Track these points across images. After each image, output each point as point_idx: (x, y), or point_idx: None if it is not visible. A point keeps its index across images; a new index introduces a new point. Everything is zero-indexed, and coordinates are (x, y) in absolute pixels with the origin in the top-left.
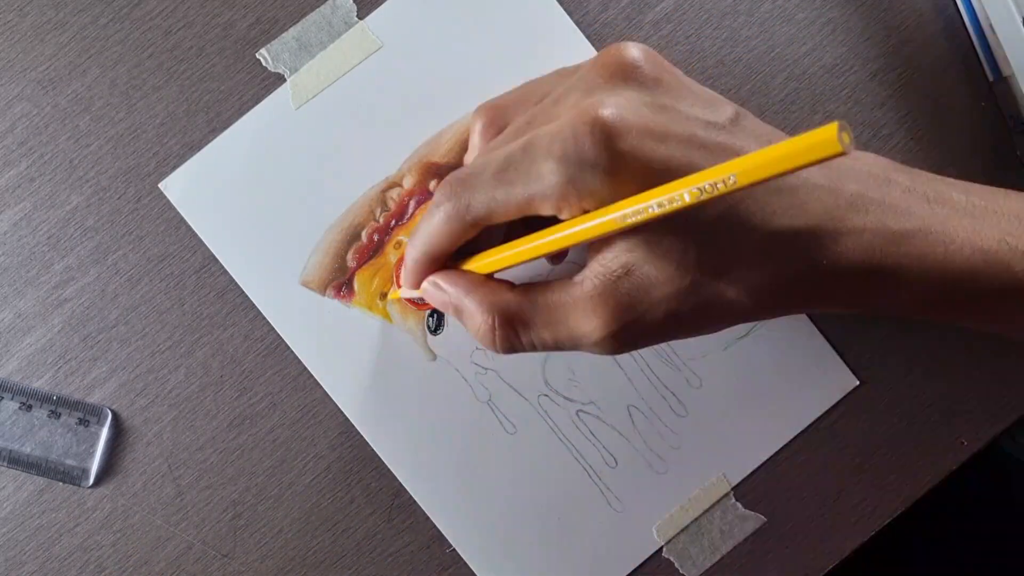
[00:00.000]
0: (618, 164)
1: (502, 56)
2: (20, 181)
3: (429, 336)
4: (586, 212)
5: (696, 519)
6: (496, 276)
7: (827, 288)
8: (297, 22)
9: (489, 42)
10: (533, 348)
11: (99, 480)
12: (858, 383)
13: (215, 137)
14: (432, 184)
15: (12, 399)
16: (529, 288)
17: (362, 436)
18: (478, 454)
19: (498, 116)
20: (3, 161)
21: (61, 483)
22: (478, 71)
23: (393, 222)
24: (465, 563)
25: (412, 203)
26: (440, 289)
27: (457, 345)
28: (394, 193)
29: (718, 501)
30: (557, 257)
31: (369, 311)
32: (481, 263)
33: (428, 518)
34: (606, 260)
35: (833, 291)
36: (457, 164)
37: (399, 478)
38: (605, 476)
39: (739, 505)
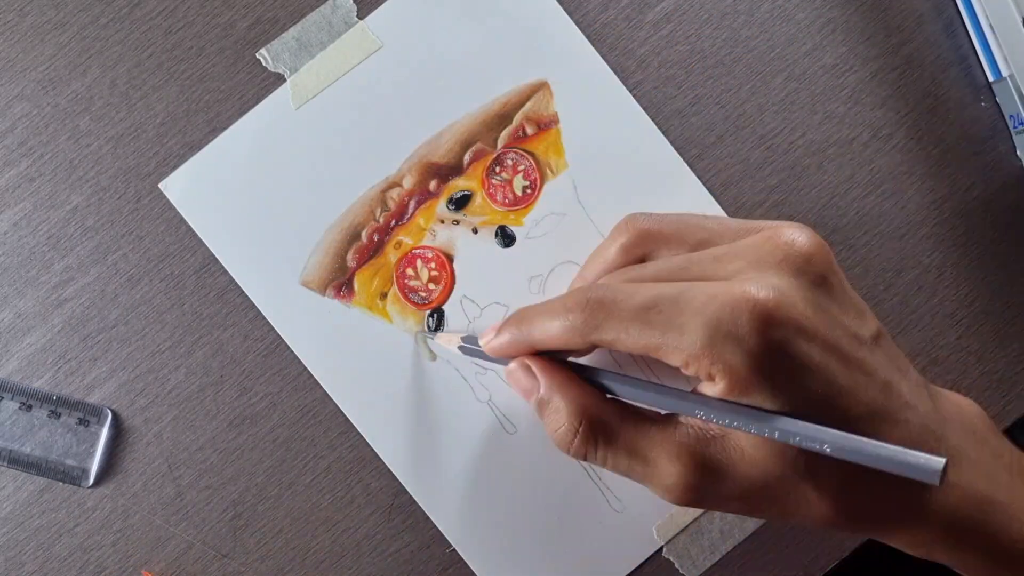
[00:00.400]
0: (763, 350)
1: (502, 56)
2: (20, 181)
3: (429, 336)
4: (711, 379)
5: (696, 519)
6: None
7: (907, 527)
8: (297, 22)
9: (489, 42)
10: (603, 464)
11: (99, 480)
12: None
13: (215, 137)
14: (432, 184)
15: (12, 399)
16: (622, 406)
17: (362, 436)
18: (478, 454)
19: (648, 240)
20: (3, 161)
21: (61, 483)
22: (478, 71)
23: (393, 222)
24: (465, 563)
25: (412, 203)
26: (531, 375)
27: (436, 336)
28: (394, 193)
29: None
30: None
31: (369, 311)
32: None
33: (428, 518)
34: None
35: (913, 530)
36: (457, 164)
37: (399, 478)
38: (605, 476)
39: None
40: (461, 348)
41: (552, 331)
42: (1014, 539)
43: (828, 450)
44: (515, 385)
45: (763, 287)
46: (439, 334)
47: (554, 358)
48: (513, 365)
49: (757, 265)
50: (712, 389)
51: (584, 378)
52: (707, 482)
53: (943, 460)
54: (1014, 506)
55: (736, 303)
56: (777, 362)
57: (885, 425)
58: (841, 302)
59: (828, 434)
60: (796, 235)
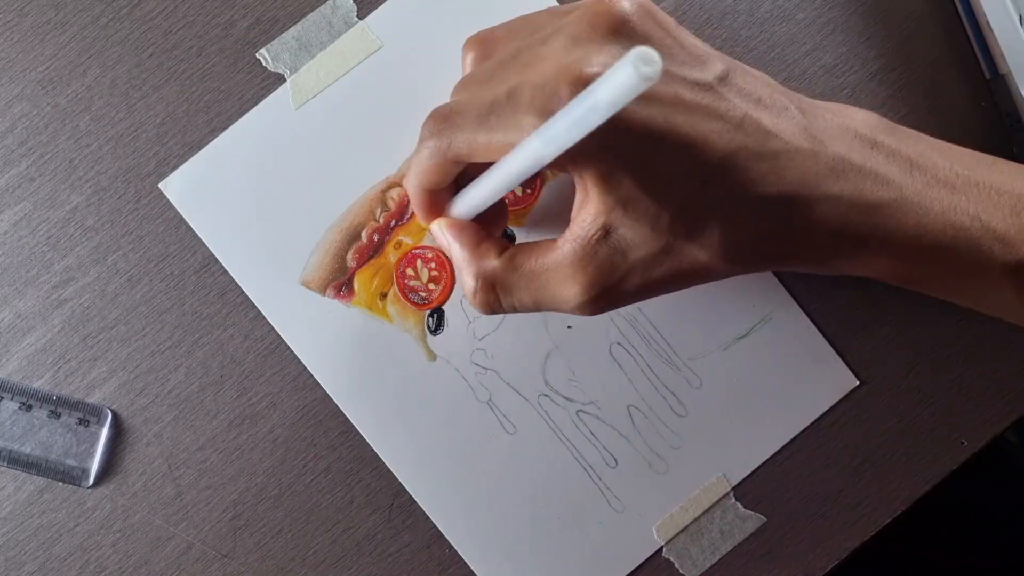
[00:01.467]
0: None
1: None
2: (20, 181)
3: (429, 336)
4: (561, 165)
5: (696, 519)
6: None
7: (797, 249)
8: (297, 22)
9: None
10: (514, 310)
11: (99, 480)
12: (858, 383)
13: (215, 137)
14: None
15: (12, 399)
16: (516, 252)
17: (362, 436)
18: (478, 454)
19: (488, 48)
20: (3, 161)
21: (61, 483)
22: None
23: (393, 222)
24: (465, 563)
25: None
26: (442, 236)
27: (457, 345)
28: (394, 193)
29: (718, 501)
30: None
31: (369, 311)
32: (464, 199)
33: (428, 518)
34: (584, 223)
35: (802, 253)
36: None
37: (399, 478)
38: (605, 476)
39: (739, 505)
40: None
41: (420, 164)
42: (913, 234)
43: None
44: (442, 249)
45: (580, 60)
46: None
47: (463, 221)
48: (433, 226)
49: (576, 40)
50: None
51: (482, 229)
52: (607, 284)
53: (631, 52)
54: (912, 201)
55: (558, 86)
56: (616, 131)
57: (750, 163)
58: (674, 54)
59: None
60: (611, 1)
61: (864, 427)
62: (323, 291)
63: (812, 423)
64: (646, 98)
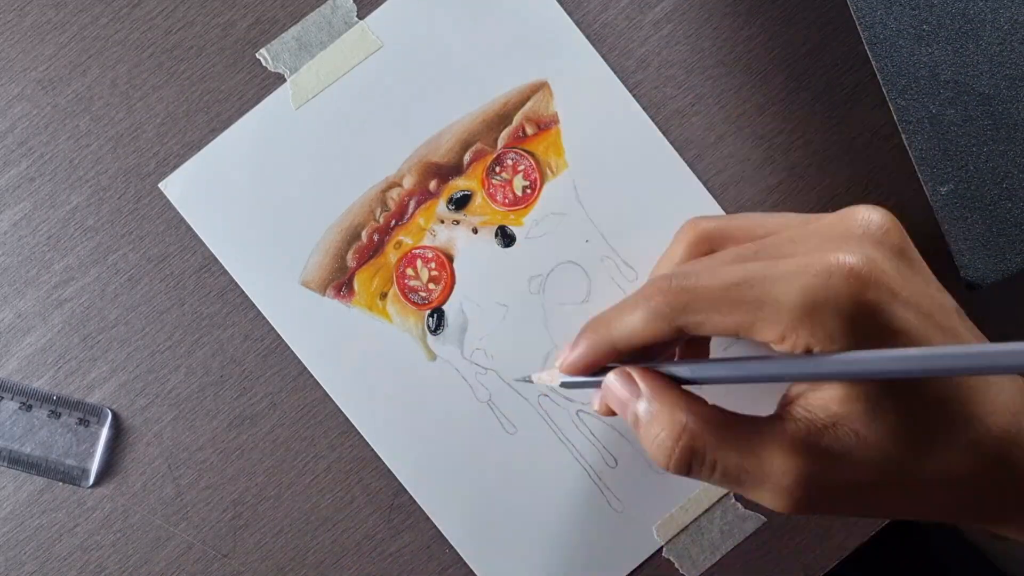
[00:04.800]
0: (861, 315)
1: (502, 56)
2: (20, 181)
3: (429, 336)
4: (809, 349)
5: (696, 519)
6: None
7: (1010, 499)
8: (297, 22)
9: (489, 42)
10: (711, 473)
11: (99, 480)
12: None
13: (215, 137)
14: (432, 184)
15: (12, 399)
16: (719, 411)
17: (362, 436)
18: (478, 454)
19: (712, 237)
20: (3, 161)
21: (61, 483)
22: (478, 71)
23: (393, 222)
24: (465, 563)
25: (412, 203)
26: (630, 382)
27: (457, 345)
28: (394, 193)
29: (718, 501)
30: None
31: (369, 311)
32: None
33: (428, 518)
34: (811, 406)
35: (1012, 504)
36: (457, 164)
37: (399, 478)
38: (605, 476)
39: (739, 505)
40: (563, 385)
41: (633, 323)
42: None
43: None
44: (611, 398)
45: (853, 253)
46: (538, 375)
47: (653, 369)
48: (611, 375)
49: (838, 240)
50: None
51: (680, 380)
52: (825, 473)
53: None
54: None
55: (830, 269)
56: (875, 329)
57: (995, 391)
58: (923, 274)
59: (953, 350)
60: (869, 212)
61: None
62: (323, 291)
63: None
64: (905, 303)
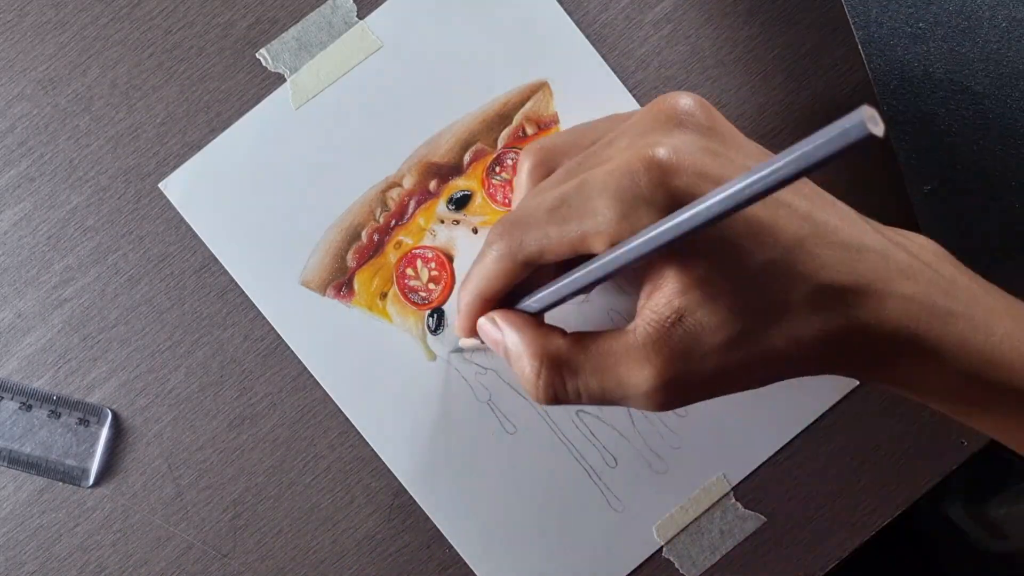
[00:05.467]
0: (673, 202)
1: (502, 56)
2: (20, 181)
3: (429, 336)
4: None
5: (696, 519)
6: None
7: (867, 351)
8: (297, 22)
9: (489, 42)
10: (578, 398)
11: (99, 480)
12: (858, 383)
13: (215, 137)
14: (432, 184)
15: (12, 399)
16: (580, 336)
17: (362, 436)
18: (478, 454)
19: (547, 158)
20: (3, 161)
21: (61, 483)
22: (478, 71)
23: (393, 222)
24: (465, 563)
25: (412, 203)
26: (496, 326)
27: (457, 345)
28: (394, 193)
29: (718, 501)
30: (587, 288)
31: (369, 311)
32: (528, 301)
33: (428, 518)
34: (658, 306)
35: (871, 356)
36: (457, 164)
37: (399, 478)
38: (605, 476)
39: (739, 505)
40: (454, 352)
41: (486, 270)
42: (979, 348)
43: (774, 176)
44: (488, 343)
45: (651, 145)
46: (462, 341)
47: (514, 309)
48: (480, 321)
49: (642, 134)
50: None
51: (538, 318)
52: (682, 370)
53: (862, 107)
54: (979, 319)
55: (631, 168)
56: None
57: (820, 249)
58: (736, 145)
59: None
60: (673, 98)
61: (864, 427)
62: (323, 291)
63: (812, 423)
64: (716, 180)
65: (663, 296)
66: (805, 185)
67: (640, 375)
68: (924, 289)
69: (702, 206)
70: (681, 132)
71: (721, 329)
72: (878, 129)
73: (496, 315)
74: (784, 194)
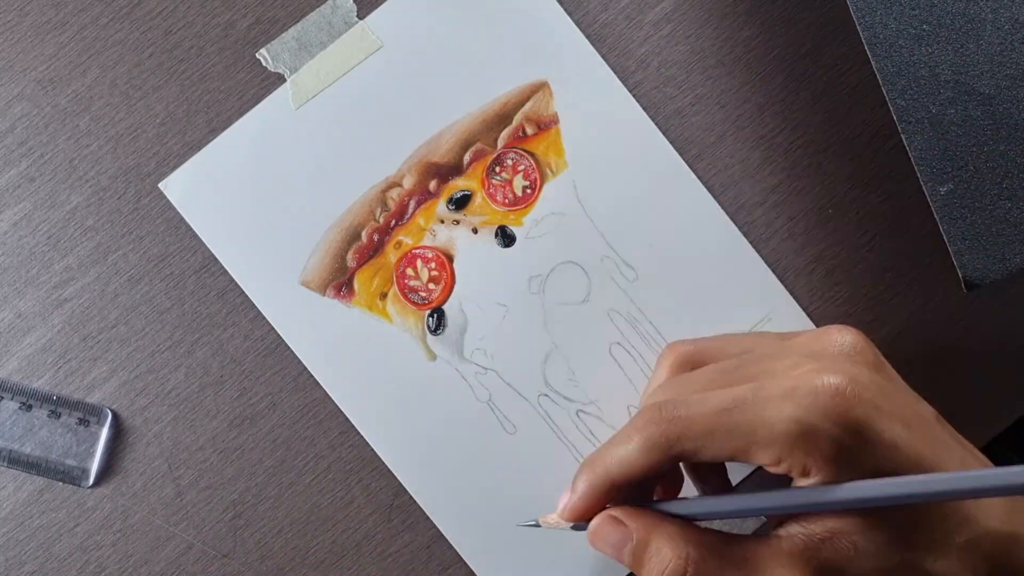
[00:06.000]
0: (851, 432)
1: (502, 57)
2: (20, 181)
3: (429, 336)
4: (805, 470)
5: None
6: None
7: None
8: (297, 22)
9: (489, 42)
10: None
11: (99, 480)
12: None
13: (215, 137)
14: (432, 184)
15: (12, 399)
16: (714, 536)
17: (362, 436)
18: (478, 454)
19: (692, 358)
20: (3, 161)
21: (61, 483)
22: (478, 71)
23: (393, 222)
24: (465, 563)
25: (412, 203)
26: (619, 525)
27: (457, 345)
28: (394, 193)
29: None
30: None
31: (369, 311)
32: (668, 506)
33: (428, 518)
34: (808, 522)
35: None
36: (457, 164)
37: (399, 478)
38: None
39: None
40: (522, 525)
41: (630, 457)
42: None
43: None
44: (603, 544)
45: (836, 373)
46: (545, 519)
47: (640, 505)
48: (595, 521)
49: (816, 357)
50: (809, 482)
51: (675, 515)
52: None
53: None
54: None
55: (816, 391)
56: (865, 443)
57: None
58: (900, 387)
59: (943, 477)
60: (842, 332)
61: None
62: (323, 291)
63: None
64: (890, 415)
65: (815, 513)
66: (945, 423)
67: None
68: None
69: (923, 487)
70: (853, 366)
71: (877, 556)
72: None
73: (621, 513)
74: (945, 436)
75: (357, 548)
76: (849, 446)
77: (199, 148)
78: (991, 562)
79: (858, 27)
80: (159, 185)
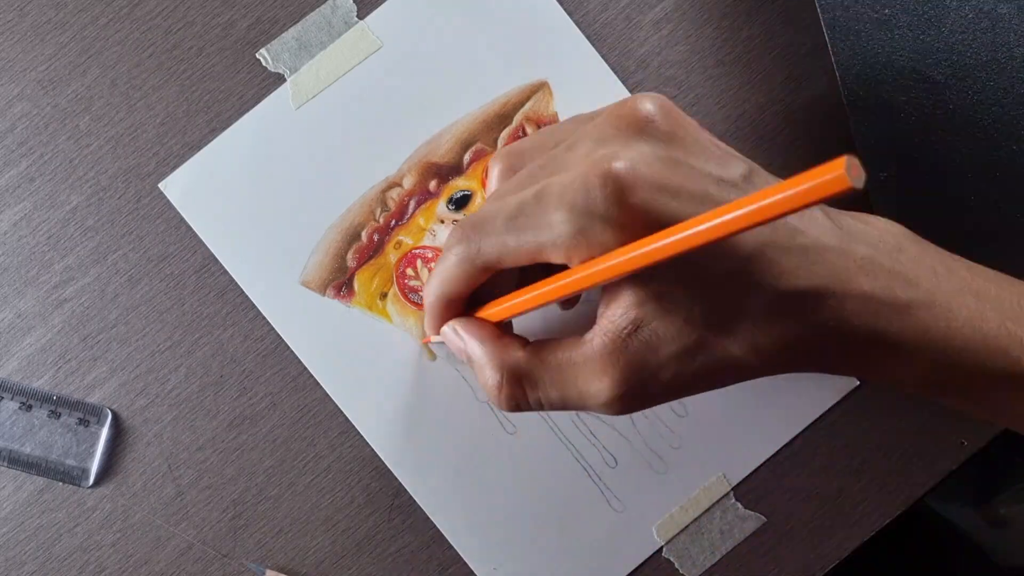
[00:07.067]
0: (628, 217)
1: (502, 56)
2: (20, 181)
3: None
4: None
5: (696, 519)
6: (515, 328)
7: (831, 351)
8: (297, 22)
9: (489, 42)
10: (540, 407)
11: (99, 480)
12: (858, 383)
13: (215, 137)
14: (432, 184)
15: (12, 399)
16: (540, 346)
17: (362, 436)
18: (478, 454)
19: (515, 161)
20: (3, 161)
21: (61, 483)
22: (478, 71)
23: (393, 222)
24: (465, 563)
25: (412, 203)
26: (458, 336)
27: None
28: (394, 193)
29: (718, 501)
30: (569, 302)
31: (369, 311)
32: (493, 310)
33: (428, 518)
34: (615, 316)
35: (836, 355)
36: (457, 164)
37: (399, 478)
38: (605, 476)
39: (739, 505)
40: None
41: (448, 272)
42: (942, 336)
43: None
44: (452, 349)
45: (608, 157)
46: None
47: (478, 317)
48: (444, 328)
49: (601, 141)
50: None
51: (506, 330)
52: (637, 380)
53: (841, 157)
54: (941, 305)
55: (587, 182)
56: (647, 225)
57: (778, 256)
58: (698, 152)
59: (735, 203)
60: (635, 102)
61: (864, 427)
62: (323, 291)
63: (812, 423)
64: (674, 192)
65: (620, 307)
66: (764, 178)
67: (598, 385)
68: (884, 283)
69: (672, 239)
70: (640, 141)
71: (676, 340)
72: (859, 181)
73: (458, 324)
74: (742, 194)
75: (357, 548)
76: (629, 232)
77: (199, 148)
78: (803, 321)
79: (818, 9)
80: (159, 185)
